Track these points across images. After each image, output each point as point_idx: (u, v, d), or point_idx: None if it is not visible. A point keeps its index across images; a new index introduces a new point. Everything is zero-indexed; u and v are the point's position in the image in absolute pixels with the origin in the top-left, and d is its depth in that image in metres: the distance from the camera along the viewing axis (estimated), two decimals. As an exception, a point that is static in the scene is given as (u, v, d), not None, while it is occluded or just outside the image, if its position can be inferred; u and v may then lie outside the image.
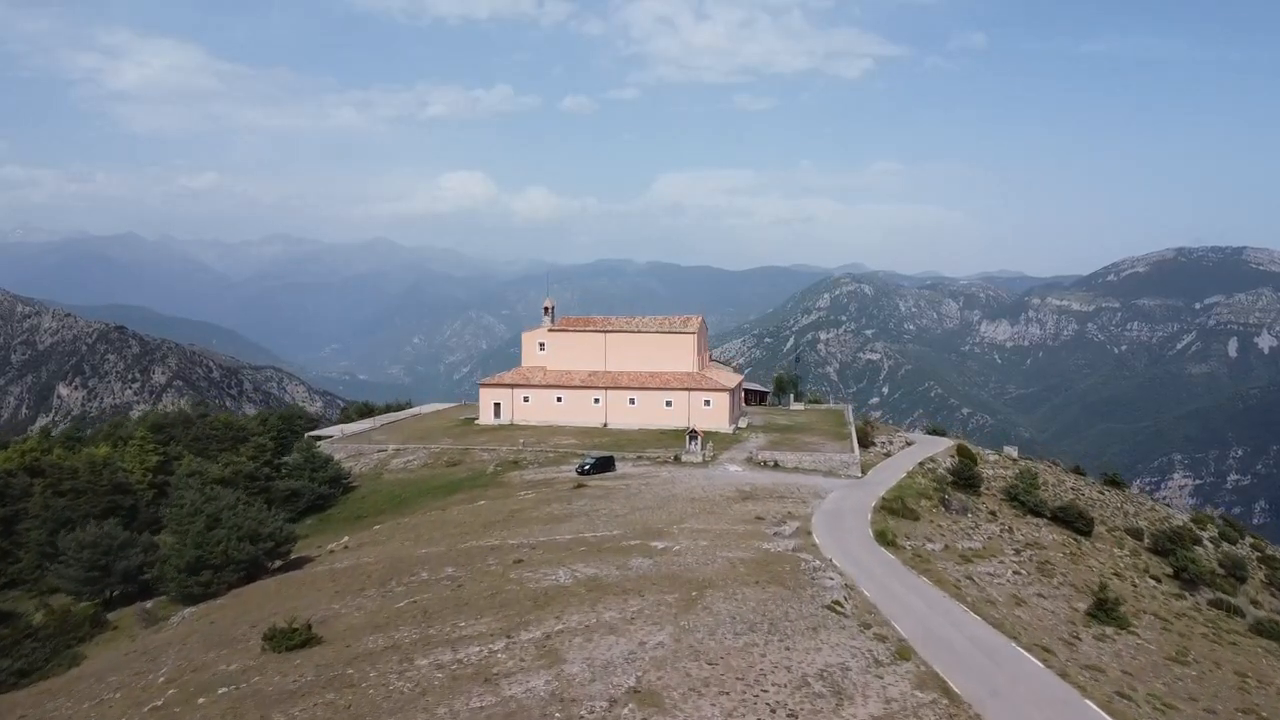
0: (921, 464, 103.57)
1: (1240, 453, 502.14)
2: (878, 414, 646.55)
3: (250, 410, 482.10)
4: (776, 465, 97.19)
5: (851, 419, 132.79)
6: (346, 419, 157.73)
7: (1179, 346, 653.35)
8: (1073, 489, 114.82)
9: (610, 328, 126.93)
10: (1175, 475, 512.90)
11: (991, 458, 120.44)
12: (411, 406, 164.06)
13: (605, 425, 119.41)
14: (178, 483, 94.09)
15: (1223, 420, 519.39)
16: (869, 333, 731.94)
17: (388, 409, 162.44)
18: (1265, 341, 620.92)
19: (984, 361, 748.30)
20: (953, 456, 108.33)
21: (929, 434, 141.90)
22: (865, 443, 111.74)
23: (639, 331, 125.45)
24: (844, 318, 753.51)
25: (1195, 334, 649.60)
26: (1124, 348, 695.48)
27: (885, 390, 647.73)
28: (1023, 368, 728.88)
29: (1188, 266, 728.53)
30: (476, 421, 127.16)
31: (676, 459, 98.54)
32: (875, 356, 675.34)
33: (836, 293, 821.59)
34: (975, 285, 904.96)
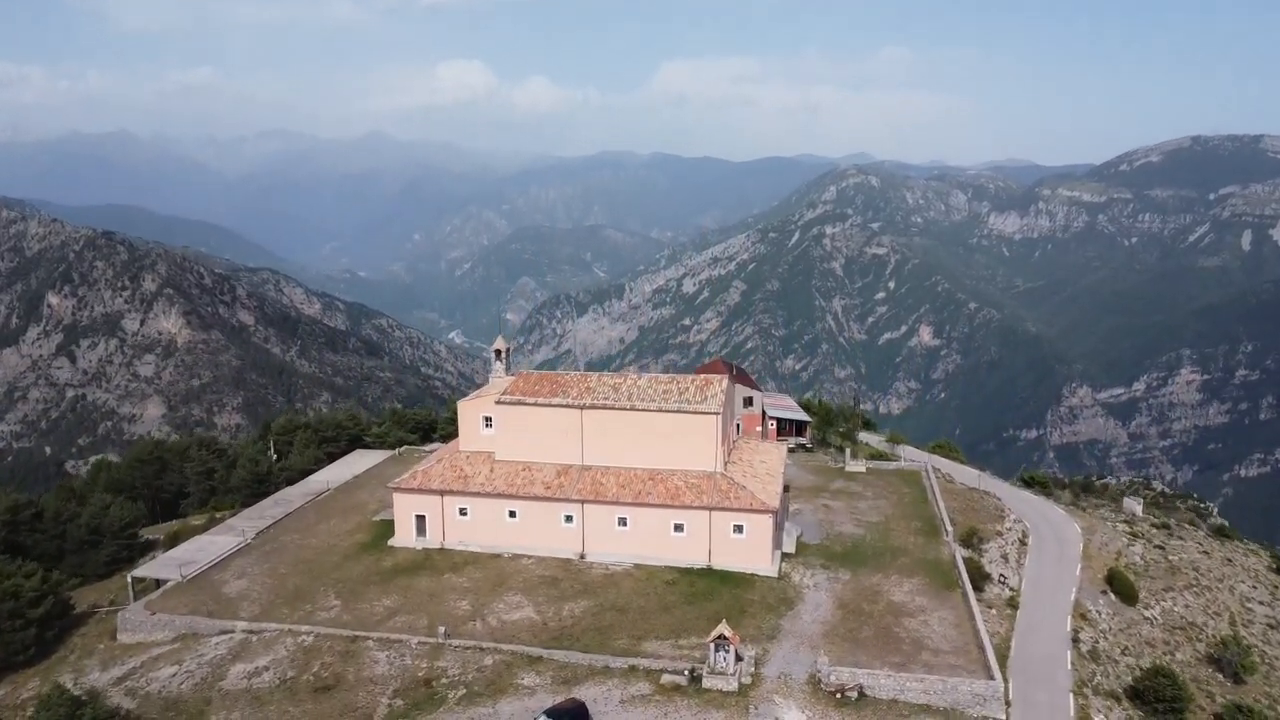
0: (1076, 638, 70.57)
1: (1250, 348, 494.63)
2: (884, 309, 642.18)
3: (245, 318, 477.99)
4: (862, 696, 57.36)
5: (939, 502, 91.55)
6: (234, 489, 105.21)
7: (1191, 239, 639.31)
8: (1259, 604, 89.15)
9: (591, 400, 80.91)
10: (1183, 371, 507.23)
11: (1123, 538, 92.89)
12: (351, 451, 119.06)
13: (583, 557, 77.73)
14: None
15: (1233, 315, 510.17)
16: (875, 226, 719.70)
17: (319, 432, 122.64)
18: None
19: (992, 255, 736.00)
20: (1104, 592, 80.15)
21: (1024, 485, 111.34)
22: (976, 578, 74.80)
23: (634, 409, 79.69)
24: (850, 211, 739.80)
25: (1209, 226, 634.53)
26: (1135, 240, 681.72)
27: (891, 285, 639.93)
28: (1031, 261, 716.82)
29: (1203, 156, 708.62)
30: (391, 543, 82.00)
31: (695, 679, 58.38)
32: (882, 251, 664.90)
33: (843, 185, 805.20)
34: (984, 175, 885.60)
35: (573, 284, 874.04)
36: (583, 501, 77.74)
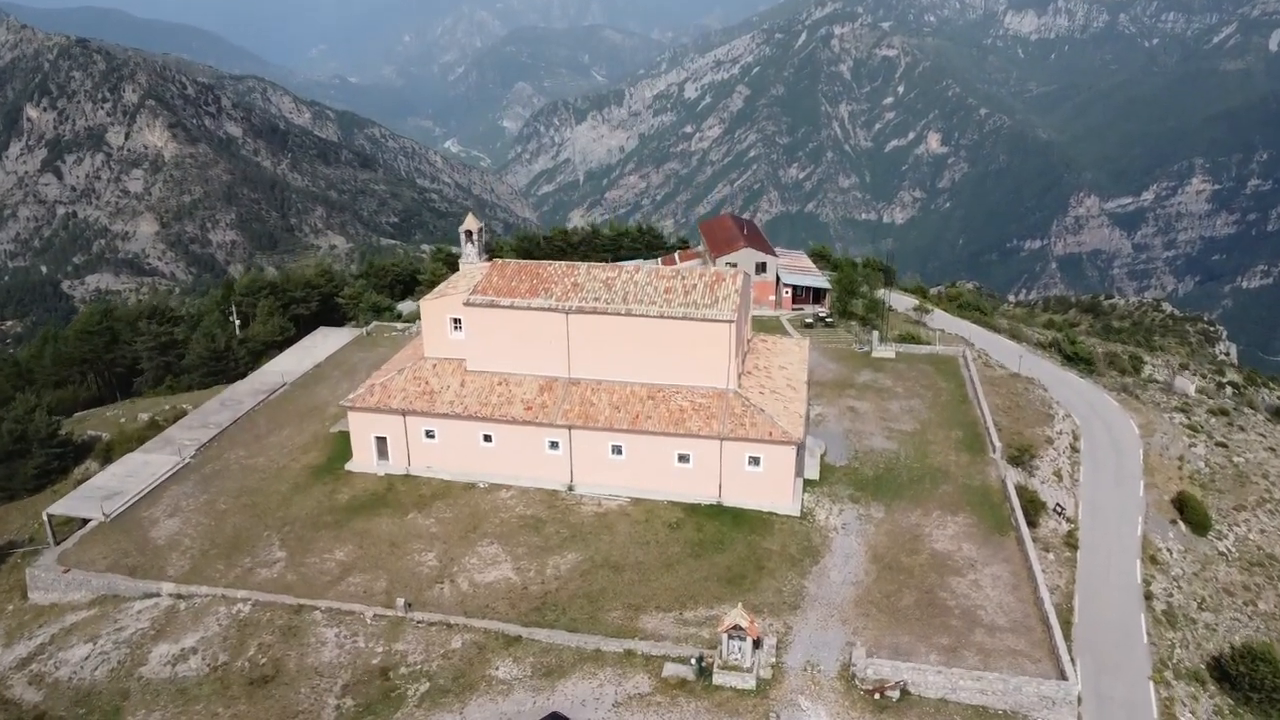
0: (1148, 592, 61.77)
1: (1265, 156, 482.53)
2: (892, 115, 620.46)
3: (233, 130, 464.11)
4: (905, 695, 46.78)
5: (982, 403, 78.71)
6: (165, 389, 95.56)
7: (1215, 40, 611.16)
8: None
9: (578, 302, 65.65)
10: (1193, 180, 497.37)
11: (1184, 436, 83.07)
12: (314, 330, 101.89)
13: (571, 489, 65.26)
14: None
15: (1251, 122, 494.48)
16: (886, 25, 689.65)
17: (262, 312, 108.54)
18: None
19: (1006, 56, 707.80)
20: (1174, 521, 70.94)
21: (1066, 362, 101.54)
22: (1030, 511, 63.82)
23: (630, 314, 64.80)
24: (860, 9, 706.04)
25: (1236, 26, 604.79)
26: (1155, 41, 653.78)
27: (900, 90, 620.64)
28: (1046, 63, 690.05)
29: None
30: (349, 467, 69.36)
31: (703, 671, 47.74)
32: (892, 53, 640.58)
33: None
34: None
35: (570, 89, 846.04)
36: (569, 427, 64.54)
